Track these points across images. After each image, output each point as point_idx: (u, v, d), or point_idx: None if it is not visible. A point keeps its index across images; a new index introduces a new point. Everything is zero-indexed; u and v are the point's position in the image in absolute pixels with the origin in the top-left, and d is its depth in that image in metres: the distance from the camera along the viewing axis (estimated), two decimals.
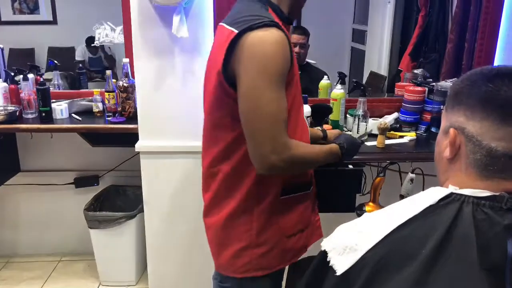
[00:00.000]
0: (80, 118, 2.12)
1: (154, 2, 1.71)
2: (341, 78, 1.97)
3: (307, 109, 1.65)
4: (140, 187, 2.26)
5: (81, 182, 2.46)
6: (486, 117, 0.74)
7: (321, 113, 1.67)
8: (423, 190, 1.87)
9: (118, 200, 2.41)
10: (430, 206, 0.77)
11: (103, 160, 2.44)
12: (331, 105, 1.82)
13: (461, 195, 0.76)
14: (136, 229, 2.20)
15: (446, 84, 1.87)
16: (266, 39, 1.03)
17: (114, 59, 4.05)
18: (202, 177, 1.33)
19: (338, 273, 0.79)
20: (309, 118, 1.65)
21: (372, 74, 3.45)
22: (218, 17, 1.83)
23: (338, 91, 1.82)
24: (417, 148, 1.75)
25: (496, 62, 2.03)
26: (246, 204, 1.23)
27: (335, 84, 2.02)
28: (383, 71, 3.39)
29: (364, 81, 3.28)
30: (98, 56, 4.08)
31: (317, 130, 1.56)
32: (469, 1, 2.28)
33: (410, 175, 1.72)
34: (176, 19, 1.75)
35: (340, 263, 0.80)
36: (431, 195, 0.79)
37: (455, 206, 0.75)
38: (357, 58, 4.02)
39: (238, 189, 1.22)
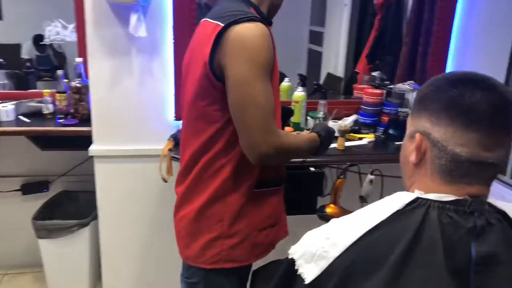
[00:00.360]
0: (28, 120, 2.00)
1: (110, 0, 1.64)
2: (302, 80, 1.96)
3: None
4: (93, 192, 2.16)
5: (29, 188, 2.32)
6: (451, 123, 0.74)
7: (283, 115, 1.65)
8: (382, 191, 1.93)
9: (70, 206, 2.29)
10: (397, 211, 0.77)
11: (54, 165, 2.31)
12: (292, 107, 1.81)
13: (427, 199, 0.77)
14: (89, 237, 2.10)
15: (403, 86, 1.91)
16: (253, 32, 1.07)
17: (64, 57, 3.86)
18: (180, 170, 1.33)
19: (307, 281, 0.78)
20: None
21: (329, 76, 3.49)
22: (178, 15, 1.78)
23: (300, 93, 1.82)
24: (376, 149, 1.78)
25: (449, 65, 2.10)
26: (219, 195, 1.24)
27: (295, 86, 2.01)
28: (340, 72, 3.44)
29: (321, 83, 3.32)
30: (46, 54, 3.87)
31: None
32: (422, 7, 2.35)
33: (370, 176, 1.74)
34: (133, 17, 1.68)
35: (309, 271, 0.79)
36: (398, 200, 0.79)
37: (421, 210, 0.76)
38: (314, 59, 4.06)
39: (212, 181, 1.23)
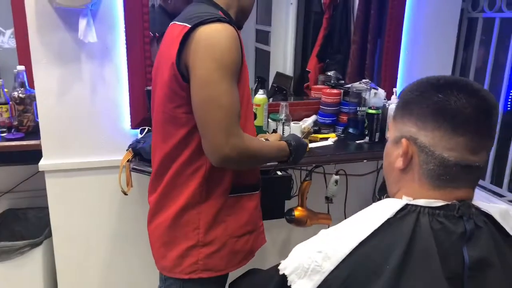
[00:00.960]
0: None
1: (56, 4, 1.52)
2: (261, 83, 1.94)
3: None
4: (44, 208, 2.02)
5: None
6: (438, 127, 0.75)
7: None
8: (347, 190, 1.95)
9: (17, 225, 2.12)
10: (388, 219, 0.77)
11: None
12: (254, 110, 1.79)
13: (416, 205, 0.77)
14: (43, 258, 1.94)
15: (360, 86, 1.94)
16: (220, 33, 1.06)
17: None
18: (151, 178, 1.30)
19: None
20: None
21: (279, 75, 3.49)
22: (129, 20, 1.68)
23: (261, 96, 1.79)
24: (339, 149, 1.79)
25: (401, 63, 2.16)
26: (194, 202, 1.21)
27: (252, 88, 1.99)
28: (289, 71, 3.45)
29: (270, 82, 3.32)
30: None
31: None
32: (369, 5, 2.41)
33: (335, 176, 1.76)
34: (82, 22, 1.57)
35: (302, 286, 0.77)
36: (388, 208, 0.78)
37: (412, 217, 0.76)
38: (262, 58, 4.05)
39: (186, 187, 1.20)
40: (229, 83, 1.07)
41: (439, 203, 0.76)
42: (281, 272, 0.81)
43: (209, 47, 1.05)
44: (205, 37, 1.05)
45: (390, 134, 0.85)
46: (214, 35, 1.05)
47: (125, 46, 1.71)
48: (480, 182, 2.23)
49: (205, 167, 1.18)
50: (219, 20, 1.07)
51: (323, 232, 0.83)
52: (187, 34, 1.06)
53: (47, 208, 1.86)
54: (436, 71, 2.20)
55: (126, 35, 1.70)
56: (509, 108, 2.15)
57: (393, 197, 0.84)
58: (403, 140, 0.79)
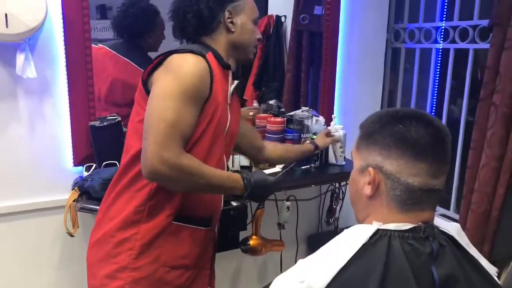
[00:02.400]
0: None
1: None
2: None
3: None
4: None
5: None
6: (402, 155, 0.82)
7: None
8: (298, 215, 2.00)
9: None
10: (363, 244, 0.81)
11: None
12: None
13: (387, 230, 0.82)
14: None
15: (302, 114, 2.03)
16: (188, 59, 1.14)
17: None
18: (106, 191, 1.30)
19: None
20: None
21: None
22: (71, 53, 1.63)
23: None
24: (288, 176, 1.83)
25: (336, 90, 2.30)
26: (134, 219, 1.19)
27: None
28: None
29: None
30: None
31: (307, 144, 1.81)
32: (301, 37, 2.55)
33: (286, 203, 1.80)
34: (20, 57, 1.50)
35: None
36: (361, 234, 0.83)
37: (384, 242, 0.81)
38: None
39: (130, 202, 1.20)
40: (181, 103, 1.10)
41: (407, 226, 0.82)
42: None
43: (173, 68, 1.13)
44: (172, 61, 1.14)
45: (355, 164, 0.91)
46: (181, 60, 1.14)
47: (66, 81, 1.65)
48: (446, 212, 2.37)
49: (151, 185, 1.18)
50: (192, 51, 1.15)
51: (301, 262, 0.86)
52: (162, 59, 1.15)
53: None
54: (368, 96, 2.38)
55: (68, 70, 1.64)
56: None
57: (362, 222, 0.89)
58: (370, 169, 0.85)
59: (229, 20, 1.27)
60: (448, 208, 2.23)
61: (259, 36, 1.35)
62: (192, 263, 1.28)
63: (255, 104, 2.41)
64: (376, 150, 0.85)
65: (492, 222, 1.70)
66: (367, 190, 0.86)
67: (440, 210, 2.26)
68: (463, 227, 1.77)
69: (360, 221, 0.91)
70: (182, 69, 1.12)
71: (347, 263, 0.79)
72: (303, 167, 1.95)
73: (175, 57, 1.15)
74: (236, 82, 1.34)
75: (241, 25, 1.29)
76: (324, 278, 0.78)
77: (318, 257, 0.85)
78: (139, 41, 2.10)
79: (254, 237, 1.71)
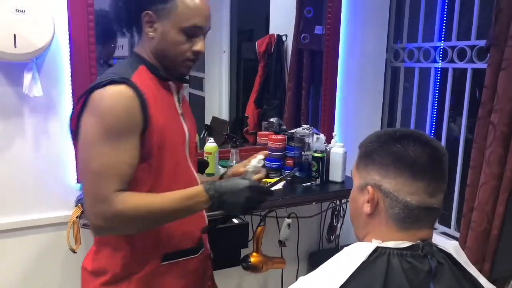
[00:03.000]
0: None
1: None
2: (208, 131, 1.99)
3: None
4: None
5: None
6: (400, 174, 0.84)
7: (199, 167, 1.64)
8: (298, 233, 2.01)
9: None
10: (363, 262, 0.82)
11: None
12: (206, 159, 1.81)
13: (386, 248, 0.84)
14: None
15: (303, 131, 2.05)
16: (107, 94, 1.03)
17: None
18: None
19: None
20: None
21: (215, 119, 3.57)
22: (76, 73, 1.67)
23: (211, 144, 1.83)
24: (289, 193, 1.86)
25: (337, 108, 2.33)
26: (123, 275, 1.14)
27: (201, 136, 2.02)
28: (225, 116, 3.54)
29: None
30: None
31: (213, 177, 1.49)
32: (301, 56, 2.60)
33: (287, 220, 1.82)
34: (27, 77, 1.53)
35: None
36: (360, 252, 0.84)
37: (383, 259, 0.82)
38: (197, 103, 4.11)
39: (114, 257, 1.14)
40: (109, 144, 1.02)
41: (405, 244, 0.84)
42: None
43: (94, 107, 1.03)
44: (92, 99, 1.03)
45: (355, 182, 0.93)
46: (100, 96, 1.02)
47: (71, 99, 1.68)
48: (447, 230, 2.39)
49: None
50: (113, 81, 1.03)
51: (302, 279, 0.87)
52: (86, 98, 1.05)
53: None
54: (368, 115, 2.41)
55: (73, 89, 1.68)
56: None
57: (362, 240, 0.91)
58: (369, 187, 0.87)
59: (148, 24, 1.12)
60: (449, 226, 2.23)
61: (195, 48, 1.13)
62: None
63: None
64: (374, 169, 0.87)
65: (492, 241, 1.71)
66: (366, 208, 0.88)
67: (440, 228, 2.27)
68: (464, 246, 1.79)
69: (359, 239, 0.92)
70: (101, 106, 1.02)
71: (347, 280, 0.80)
72: (304, 185, 1.97)
73: (95, 94, 1.03)
74: (184, 85, 1.24)
75: (162, 32, 1.11)
76: None
77: (318, 274, 0.86)
78: None
79: (254, 254, 1.73)
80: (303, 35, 2.57)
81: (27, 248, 1.72)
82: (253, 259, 1.71)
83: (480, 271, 1.71)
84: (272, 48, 2.91)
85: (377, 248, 0.84)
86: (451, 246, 0.90)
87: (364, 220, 0.90)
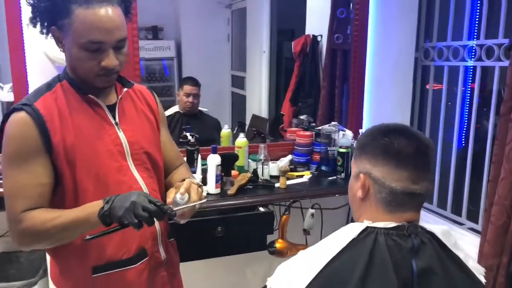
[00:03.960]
0: None
1: (57, 64, 1.71)
2: (241, 127, 2.15)
3: (217, 158, 1.78)
4: (35, 251, 2.11)
5: None
6: (386, 163, 0.96)
7: (230, 160, 1.81)
8: (322, 223, 2.13)
9: (11, 268, 2.20)
10: (353, 239, 0.95)
11: None
12: (236, 153, 1.98)
13: (375, 227, 0.96)
14: None
15: (329, 128, 2.17)
16: (9, 123, 1.10)
17: None
18: None
19: None
20: (219, 166, 1.78)
21: (255, 117, 3.71)
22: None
23: (241, 139, 1.99)
24: (314, 185, 1.99)
25: (366, 106, 2.42)
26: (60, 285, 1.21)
27: (234, 132, 2.19)
28: (264, 114, 3.68)
29: (247, 124, 3.54)
30: None
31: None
32: (335, 55, 2.69)
33: (311, 210, 1.94)
34: None
35: None
36: (352, 230, 0.97)
37: (371, 237, 0.94)
38: (238, 102, 4.28)
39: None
40: (12, 169, 1.09)
41: (392, 224, 0.95)
42: (268, 287, 0.97)
43: (3, 137, 1.11)
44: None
45: (352, 171, 1.06)
46: (6, 126, 1.11)
47: None
48: (441, 211, 2.46)
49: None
50: (15, 109, 1.10)
51: (301, 252, 1.01)
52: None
53: (38, 251, 1.95)
54: (397, 113, 2.48)
55: None
56: (463, 145, 2.41)
57: (357, 221, 1.03)
58: (361, 175, 0.99)
59: (57, 40, 1.13)
60: (477, 222, 2.26)
61: (102, 64, 1.10)
62: None
63: None
64: (366, 159, 0.99)
65: (511, 235, 1.75)
66: (359, 193, 1.00)
67: (468, 223, 2.30)
68: (484, 239, 1.84)
69: (356, 220, 1.05)
70: (5, 135, 1.10)
71: (338, 253, 0.93)
72: (329, 178, 2.08)
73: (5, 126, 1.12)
74: (124, 90, 1.23)
75: (67, 49, 1.12)
76: (318, 265, 0.93)
77: (315, 248, 0.99)
78: None
79: (280, 240, 1.87)
80: (336, 35, 2.67)
81: None
82: (278, 244, 1.85)
83: (499, 264, 1.77)
84: (308, 48, 3.00)
85: (367, 227, 0.96)
86: (438, 229, 1.00)
87: (358, 204, 1.02)
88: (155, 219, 1.07)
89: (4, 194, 1.10)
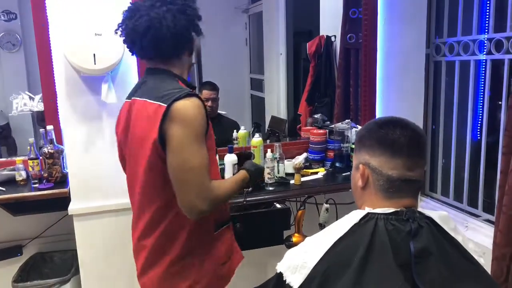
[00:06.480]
0: (4, 189, 2.09)
1: (83, 74, 1.84)
2: (257, 127, 2.24)
3: (233, 157, 1.87)
4: (67, 251, 2.26)
5: (2, 254, 2.36)
6: (383, 153, 1.03)
7: (246, 159, 1.89)
8: (337, 217, 2.20)
9: (45, 268, 2.35)
10: (355, 224, 1.03)
11: (26, 228, 2.37)
12: (252, 151, 2.07)
13: (375, 213, 1.03)
14: None
15: (342, 125, 2.24)
16: (190, 106, 1.27)
17: (9, 128, 3.84)
18: (146, 221, 1.42)
19: (295, 287, 1.00)
20: (236, 165, 1.87)
21: (274, 118, 3.79)
22: None
23: (257, 139, 2.08)
24: (328, 181, 2.06)
25: (379, 102, 2.48)
26: (185, 255, 1.40)
27: (250, 132, 2.28)
28: (283, 115, 3.76)
29: (267, 125, 3.62)
30: None
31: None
32: (349, 54, 2.75)
33: (325, 205, 2.01)
34: (104, 87, 1.89)
35: (295, 279, 1.02)
36: (354, 216, 1.04)
37: (372, 222, 1.02)
38: (257, 104, 4.37)
39: (172, 247, 1.39)
40: (197, 145, 1.27)
41: (390, 210, 1.03)
42: (278, 271, 1.06)
43: (181, 119, 1.25)
44: (177, 113, 1.25)
45: (353, 163, 1.13)
46: (185, 109, 1.26)
47: None
48: (458, 204, 2.48)
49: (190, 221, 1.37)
50: (188, 94, 1.28)
51: (307, 239, 1.09)
52: (166, 113, 1.25)
53: (70, 250, 2.09)
54: (410, 108, 2.52)
55: None
56: (478, 137, 2.43)
57: (359, 209, 1.11)
58: (361, 166, 1.07)
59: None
60: (493, 214, 2.29)
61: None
62: (231, 251, 1.54)
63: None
64: (365, 150, 1.07)
65: None
66: (360, 182, 1.08)
67: (484, 215, 2.33)
68: (497, 229, 1.87)
69: (358, 208, 1.12)
70: (188, 117, 1.26)
71: (341, 238, 1.01)
72: (343, 174, 2.15)
73: (176, 109, 1.25)
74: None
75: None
76: (322, 249, 1.01)
77: (320, 234, 1.08)
78: None
79: (296, 234, 1.95)
80: (349, 35, 2.73)
81: (109, 229, 2.08)
82: (295, 239, 1.93)
83: (511, 254, 1.79)
84: (322, 49, 3.07)
85: (368, 213, 1.04)
86: (436, 214, 1.07)
87: (360, 192, 1.10)
88: None
89: (187, 168, 1.25)
